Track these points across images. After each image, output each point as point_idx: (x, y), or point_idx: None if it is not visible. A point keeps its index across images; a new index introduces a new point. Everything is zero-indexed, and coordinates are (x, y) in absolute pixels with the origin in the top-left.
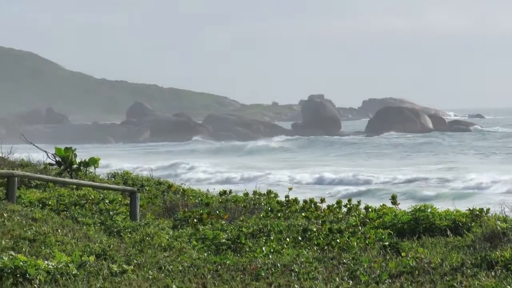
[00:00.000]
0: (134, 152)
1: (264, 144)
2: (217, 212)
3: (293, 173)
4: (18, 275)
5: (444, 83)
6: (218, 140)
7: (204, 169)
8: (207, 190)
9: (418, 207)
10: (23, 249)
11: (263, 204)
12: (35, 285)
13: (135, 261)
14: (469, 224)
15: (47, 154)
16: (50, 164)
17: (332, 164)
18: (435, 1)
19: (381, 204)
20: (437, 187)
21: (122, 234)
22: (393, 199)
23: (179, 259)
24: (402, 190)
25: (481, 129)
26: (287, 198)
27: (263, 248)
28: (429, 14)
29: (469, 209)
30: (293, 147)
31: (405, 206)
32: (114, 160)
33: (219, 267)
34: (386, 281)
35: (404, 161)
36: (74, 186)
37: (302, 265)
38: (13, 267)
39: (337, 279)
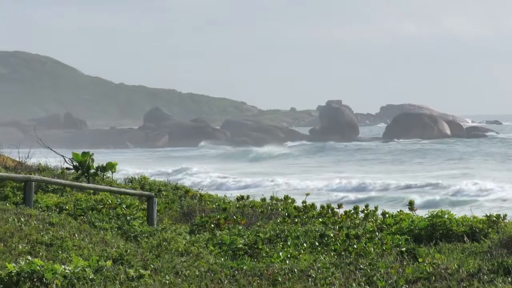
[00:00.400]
0: (147, 157)
1: (273, 150)
2: (234, 217)
3: (293, 179)
4: (35, 280)
5: (460, 89)
6: (235, 146)
7: (208, 174)
8: (224, 195)
9: (435, 213)
10: (40, 254)
11: (280, 209)
12: None
13: (152, 266)
14: (486, 230)
15: (65, 159)
16: (68, 169)
17: (339, 170)
18: (449, 7)
19: (398, 210)
20: (435, 193)
21: (139, 239)
22: (410, 205)
23: (196, 264)
24: (400, 196)
25: (497, 136)
26: (304, 204)
27: (280, 254)
28: (443, 20)
29: (486, 215)
30: (301, 153)
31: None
32: (123, 165)
33: (236, 272)
34: (403, 287)
35: (413, 167)
36: (91, 191)
37: (319, 271)
38: (30, 271)
39: (354, 284)
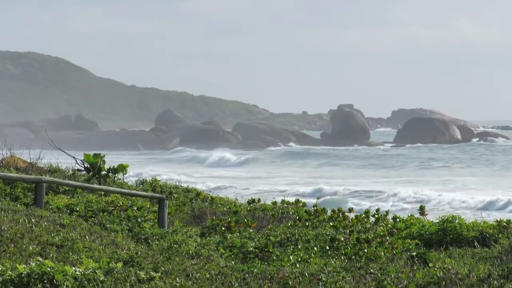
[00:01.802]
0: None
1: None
2: (245, 220)
3: (256, 184)
4: (45, 281)
5: (472, 94)
6: (246, 148)
7: (169, 178)
8: (236, 198)
9: (445, 218)
10: (51, 255)
11: (291, 213)
12: None
13: (162, 268)
14: (496, 236)
15: (76, 160)
16: (79, 170)
17: (299, 175)
18: (461, 12)
19: (409, 215)
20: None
21: (149, 241)
22: (421, 210)
23: (206, 267)
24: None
25: (507, 141)
26: (315, 208)
27: (291, 257)
28: (457, 25)
29: (497, 220)
30: (274, 158)
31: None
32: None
33: (247, 275)
34: None
35: (387, 172)
36: (102, 193)
37: (330, 275)
38: (40, 272)
39: None
